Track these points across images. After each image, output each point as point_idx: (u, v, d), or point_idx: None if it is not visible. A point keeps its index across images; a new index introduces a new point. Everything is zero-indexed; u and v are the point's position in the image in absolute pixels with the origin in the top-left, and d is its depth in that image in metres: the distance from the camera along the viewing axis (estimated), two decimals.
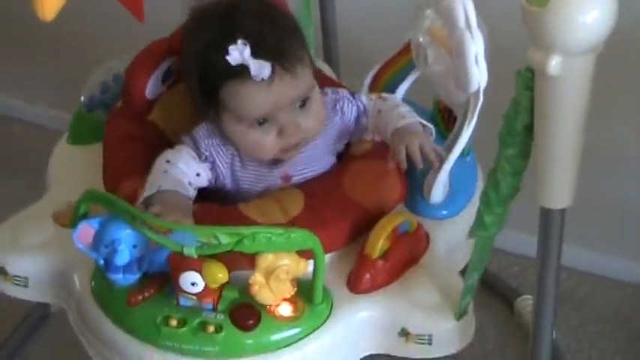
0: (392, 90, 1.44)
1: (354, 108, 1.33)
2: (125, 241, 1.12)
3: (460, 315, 1.18)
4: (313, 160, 1.30)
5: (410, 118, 1.29)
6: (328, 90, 1.34)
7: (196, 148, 1.27)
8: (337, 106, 1.33)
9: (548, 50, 0.90)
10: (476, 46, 1.18)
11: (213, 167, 1.28)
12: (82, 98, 1.45)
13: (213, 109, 1.26)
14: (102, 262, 1.14)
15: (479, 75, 1.19)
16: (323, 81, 1.40)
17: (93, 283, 1.21)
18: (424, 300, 1.19)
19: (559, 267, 1.10)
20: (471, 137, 1.26)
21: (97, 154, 1.37)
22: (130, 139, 1.33)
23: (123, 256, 1.13)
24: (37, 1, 1.00)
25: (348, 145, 1.36)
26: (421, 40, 1.35)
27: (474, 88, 1.21)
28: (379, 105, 1.33)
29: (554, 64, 0.90)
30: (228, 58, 1.17)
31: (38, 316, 1.77)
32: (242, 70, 1.18)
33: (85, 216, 1.14)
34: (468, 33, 1.19)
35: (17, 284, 1.28)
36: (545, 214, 1.05)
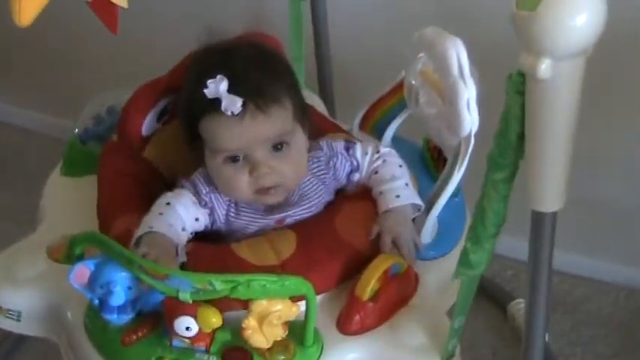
0: (383, 127, 1.46)
1: (347, 164, 1.34)
2: (120, 283, 1.13)
3: (447, 357, 1.20)
4: (307, 209, 1.31)
5: (404, 197, 1.30)
6: (324, 144, 1.35)
7: (197, 194, 1.29)
8: (330, 163, 1.34)
9: (539, 54, 0.90)
10: (468, 93, 1.20)
11: (212, 213, 1.29)
12: (76, 130, 1.47)
13: (197, 147, 1.28)
14: (97, 302, 1.15)
15: (470, 120, 1.21)
16: (318, 121, 1.42)
17: (87, 320, 1.22)
18: (412, 342, 1.20)
19: (551, 270, 1.11)
20: (462, 179, 1.28)
21: (90, 186, 1.38)
22: (125, 176, 1.34)
23: (118, 298, 1.14)
24: (15, 7, 1.00)
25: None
26: (413, 82, 1.37)
27: (465, 132, 1.22)
28: (376, 165, 1.34)
29: (545, 67, 0.90)
30: (205, 91, 1.20)
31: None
32: (216, 104, 1.20)
33: (81, 257, 1.15)
34: (460, 80, 1.20)
35: (10, 318, 1.29)
36: (537, 218, 1.05)
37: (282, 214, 1.30)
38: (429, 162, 1.44)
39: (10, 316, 1.29)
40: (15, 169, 2.19)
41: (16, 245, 1.35)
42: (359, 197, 1.33)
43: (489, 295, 1.83)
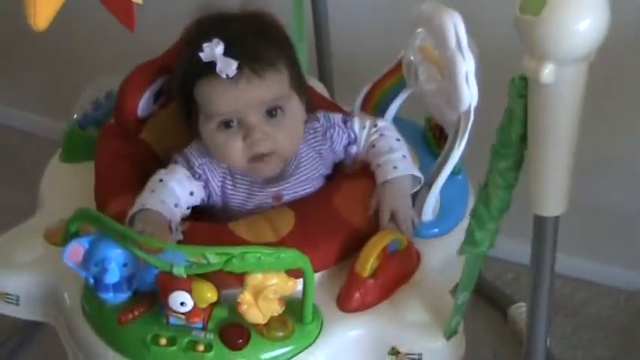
0: (384, 107, 1.45)
1: (345, 136, 1.33)
2: (115, 260, 1.12)
3: (450, 334, 1.18)
4: (304, 183, 1.30)
5: (402, 169, 1.29)
6: (321, 116, 1.34)
7: (190, 167, 1.28)
8: (327, 134, 1.33)
9: (542, 58, 0.90)
10: (466, 66, 1.19)
11: (207, 185, 1.29)
12: (75, 115, 1.46)
13: (192, 114, 1.27)
14: (92, 280, 1.14)
15: (470, 94, 1.20)
16: (318, 101, 1.41)
17: (83, 301, 1.21)
18: (414, 319, 1.19)
19: (553, 274, 1.10)
20: (462, 156, 1.26)
21: (89, 172, 1.37)
22: (121, 158, 1.33)
23: (113, 275, 1.13)
24: (30, 10, 1.00)
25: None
26: (412, 58, 1.36)
27: (464, 107, 1.21)
28: (374, 139, 1.33)
29: (548, 72, 0.90)
30: (201, 54, 1.20)
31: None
32: (212, 67, 1.20)
33: (75, 235, 1.14)
34: (458, 53, 1.19)
35: (9, 302, 1.29)
36: (539, 222, 1.05)
37: (279, 188, 1.28)
38: (431, 141, 1.43)
39: (8, 300, 1.29)
40: (13, 171, 2.19)
41: (14, 229, 1.35)
42: (358, 175, 1.32)
43: (490, 298, 1.82)
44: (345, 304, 1.19)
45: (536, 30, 0.89)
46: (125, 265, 1.13)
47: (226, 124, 1.24)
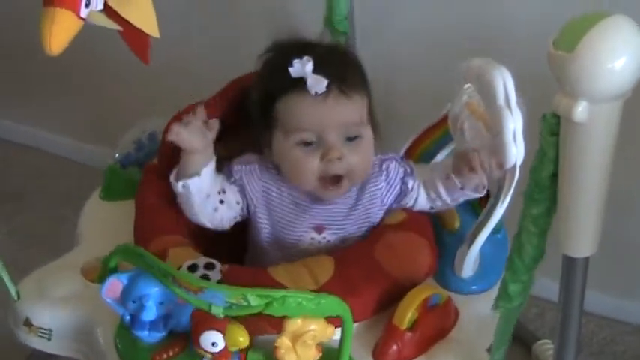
0: (428, 160, 1.44)
1: (401, 170, 1.33)
2: (153, 298, 1.12)
3: None
4: (348, 218, 1.31)
5: None
6: (375, 157, 1.34)
7: (227, 172, 1.31)
8: (383, 166, 1.33)
9: (575, 96, 0.88)
10: (514, 123, 1.18)
11: (242, 192, 1.30)
12: (117, 155, 1.47)
13: (267, 130, 1.28)
14: (128, 317, 1.13)
15: (516, 152, 1.19)
16: None
17: (117, 339, 1.20)
18: None
19: (581, 315, 1.08)
20: (504, 214, 1.25)
21: (128, 210, 1.37)
22: (165, 198, 1.33)
23: (150, 313, 1.12)
24: (45, 36, 1.01)
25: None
26: (459, 113, 1.35)
27: (510, 164, 1.20)
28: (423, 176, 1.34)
29: (581, 110, 0.89)
30: (290, 69, 1.21)
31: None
32: (301, 84, 1.22)
33: (114, 270, 1.14)
34: (507, 109, 1.19)
35: (41, 336, 1.28)
36: (569, 262, 1.03)
37: (321, 215, 1.29)
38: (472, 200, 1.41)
39: (41, 334, 1.28)
40: (38, 193, 2.21)
41: (51, 264, 1.35)
42: (401, 227, 1.31)
43: (514, 335, 1.77)
44: (381, 356, 1.18)
45: (569, 67, 0.87)
46: (162, 303, 1.12)
47: (305, 143, 1.25)
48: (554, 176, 0.97)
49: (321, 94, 1.22)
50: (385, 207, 1.33)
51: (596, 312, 1.81)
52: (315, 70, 1.21)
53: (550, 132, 0.94)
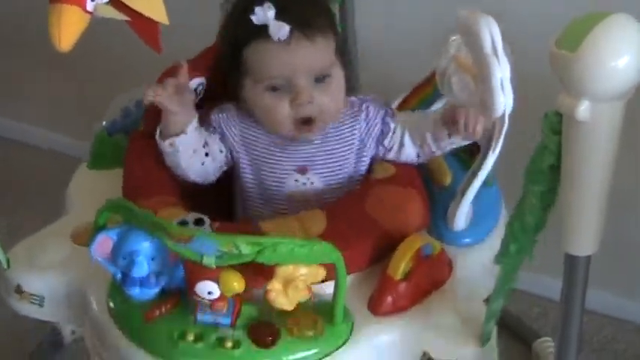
0: None
1: (382, 111, 1.33)
2: (143, 253, 1.10)
3: (483, 342, 1.15)
4: (330, 155, 1.31)
5: None
6: (353, 98, 1.35)
7: (207, 122, 1.32)
8: (363, 106, 1.33)
9: (578, 95, 0.88)
10: (502, 71, 1.17)
11: (223, 139, 1.31)
12: (104, 122, 1.45)
13: (238, 78, 1.29)
14: (119, 275, 1.12)
15: (504, 100, 1.18)
16: None
17: (109, 299, 1.19)
18: (447, 325, 1.17)
19: (582, 313, 1.08)
20: (495, 168, 1.24)
21: (117, 178, 1.35)
22: (151, 159, 1.32)
23: (141, 269, 1.10)
24: (54, 33, 1.01)
25: (369, 169, 1.34)
26: (446, 67, 1.34)
27: (499, 113, 1.19)
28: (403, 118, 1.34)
29: (584, 109, 0.88)
30: (252, 17, 1.22)
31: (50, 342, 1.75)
32: (264, 30, 1.23)
33: (104, 227, 1.12)
34: (494, 57, 1.18)
35: (33, 303, 1.27)
36: (571, 261, 1.03)
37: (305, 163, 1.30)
38: (462, 152, 1.40)
39: (33, 301, 1.27)
40: (27, 188, 2.21)
41: (40, 232, 1.33)
42: (390, 181, 1.30)
43: (515, 332, 1.80)
44: (376, 307, 1.17)
45: (572, 66, 0.87)
46: (153, 258, 1.11)
47: (274, 88, 1.26)
48: (555, 167, 0.97)
49: (284, 40, 1.22)
50: (368, 149, 1.33)
51: (597, 310, 1.81)
52: (278, 17, 1.22)
53: (552, 130, 0.94)
